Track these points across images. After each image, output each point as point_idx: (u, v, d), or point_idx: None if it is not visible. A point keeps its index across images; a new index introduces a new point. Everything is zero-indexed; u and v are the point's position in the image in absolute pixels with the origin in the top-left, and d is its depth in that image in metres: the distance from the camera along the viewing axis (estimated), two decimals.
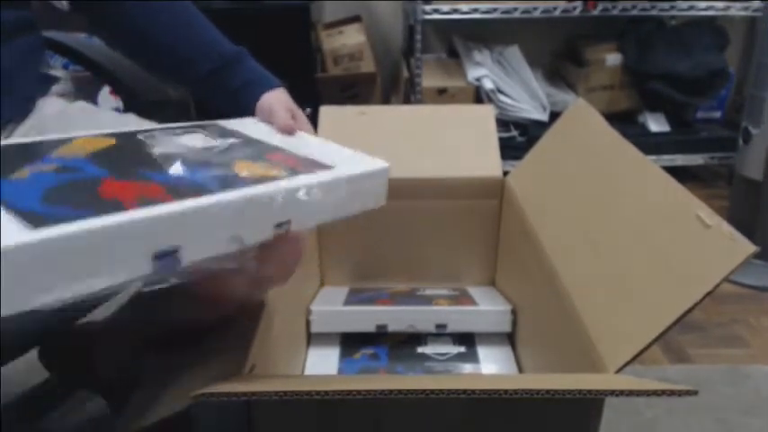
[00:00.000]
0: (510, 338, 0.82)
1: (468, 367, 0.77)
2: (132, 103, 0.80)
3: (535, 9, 1.65)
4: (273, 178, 0.42)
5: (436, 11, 1.63)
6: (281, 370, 0.63)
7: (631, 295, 0.49)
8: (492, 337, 0.81)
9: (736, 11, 1.72)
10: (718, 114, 1.95)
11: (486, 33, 1.86)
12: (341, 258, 0.92)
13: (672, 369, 0.99)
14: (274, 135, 0.55)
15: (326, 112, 0.90)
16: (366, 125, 0.89)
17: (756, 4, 1.70)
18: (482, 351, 0.80)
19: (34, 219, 0.31)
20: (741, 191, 1.36)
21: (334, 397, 0.35)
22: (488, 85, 1.69)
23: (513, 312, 0.80)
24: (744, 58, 2.01)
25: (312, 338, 0.82)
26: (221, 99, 0.63)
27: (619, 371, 0.44)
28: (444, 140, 0.88)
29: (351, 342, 0.81)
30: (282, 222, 0.42)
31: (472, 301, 0.82)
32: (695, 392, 0.35)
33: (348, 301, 0.83)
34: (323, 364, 0.78)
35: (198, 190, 0.38)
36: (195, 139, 0.48)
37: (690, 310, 0.42)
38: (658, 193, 0.53)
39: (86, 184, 0.37)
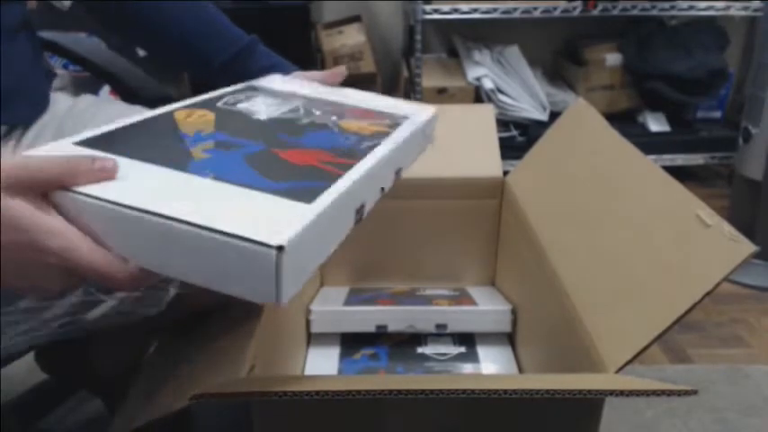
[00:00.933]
0: (510, 338, 0.82)
1: (468, 367, 0.77)
2: (132, 103, 0.80)
3: (535, 9, 1.65)
4: (384, 133, 0.46)
5: (436, 11, 1.63)
6: (281, 370, 0.63)
7: (631, 295, 0.49)
8: (492, 337, 0.81)
9: (736, 11, 1.72)
10: (718, 114, 1.95)
11: (486, 33, 1.86)
12: (341, 258, 0.92)
13: (672, 369, 0.99)
14: (316, 90, 0.57)
15: None
16: None
17: (756, 4, 1.70)
18: (482, 351, 0.80)
19: (289, 193, 0.32)
20: (741, 191, 1.36)
21: (334, 397, 0.35)
22: (488, 84, 1.69)
23: (513, 312, 0.79)
24: (744, 58, 2.01)
25: (312, 338, 0.82)
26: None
27: (619, 371, 0.44)
28: (444, 140, 0.88)
29: (351, 342, 0.81)
30: (399, 169, 0.47)
31: (472, 301, 0.82)
32: (695, 392, 0.35)
33: (348, 301, 0.83)
34: (323, 364, 0.78)
35: (351, 152, 0.41)
36: (268, 104, 0.49)
37: (690, 310, 0.42)
38: (658, 193, 0.53)
39: (267, 155, 0.38)
